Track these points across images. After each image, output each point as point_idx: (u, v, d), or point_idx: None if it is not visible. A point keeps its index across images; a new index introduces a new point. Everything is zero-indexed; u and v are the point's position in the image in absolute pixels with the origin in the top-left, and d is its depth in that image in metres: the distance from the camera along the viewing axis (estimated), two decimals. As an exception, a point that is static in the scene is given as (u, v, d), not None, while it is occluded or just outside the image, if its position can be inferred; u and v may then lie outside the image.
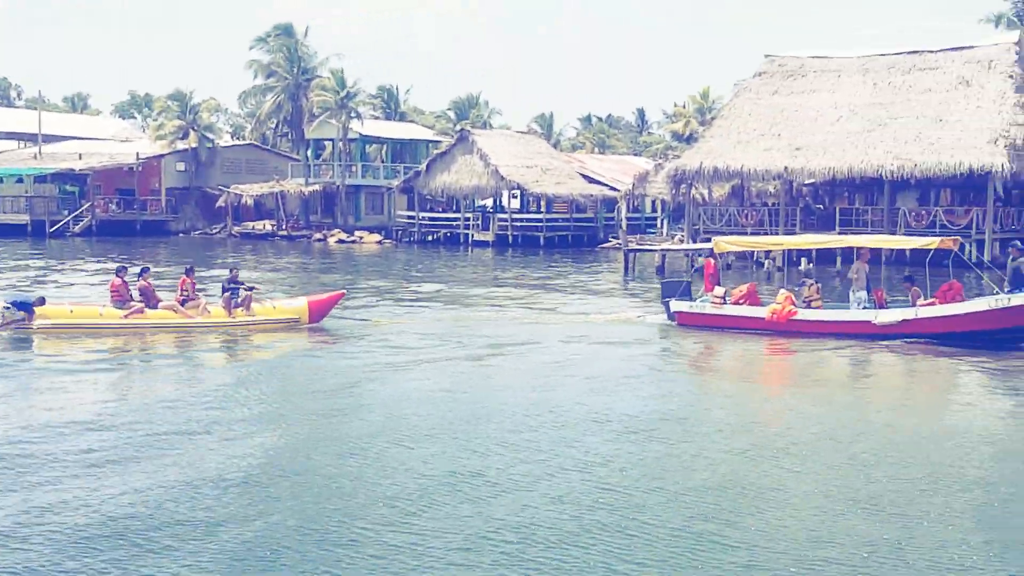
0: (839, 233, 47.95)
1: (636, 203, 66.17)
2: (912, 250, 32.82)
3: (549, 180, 65.99)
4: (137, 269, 25.39)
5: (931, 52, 52.12)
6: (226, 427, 13.99)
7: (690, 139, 68.43)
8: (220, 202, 74.67)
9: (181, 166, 77.10)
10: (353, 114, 73.75)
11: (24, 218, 69.41)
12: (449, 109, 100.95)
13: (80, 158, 74.84)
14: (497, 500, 10.95)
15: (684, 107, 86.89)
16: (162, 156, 76.15)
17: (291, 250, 61.28)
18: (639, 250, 47.64)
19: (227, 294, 24.10)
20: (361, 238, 68.86)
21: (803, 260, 46.56)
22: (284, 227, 73.49)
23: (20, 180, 72.35)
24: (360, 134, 75.39)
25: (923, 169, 46.43)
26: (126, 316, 23.08)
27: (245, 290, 24.58)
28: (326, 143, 78.39)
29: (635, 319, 27.74)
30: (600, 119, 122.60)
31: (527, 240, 63.77)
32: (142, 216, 73.71)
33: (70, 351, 21.05)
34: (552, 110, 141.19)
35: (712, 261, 26.73)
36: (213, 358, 21.38)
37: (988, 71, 49.36)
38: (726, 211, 54.62)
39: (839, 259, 42.26)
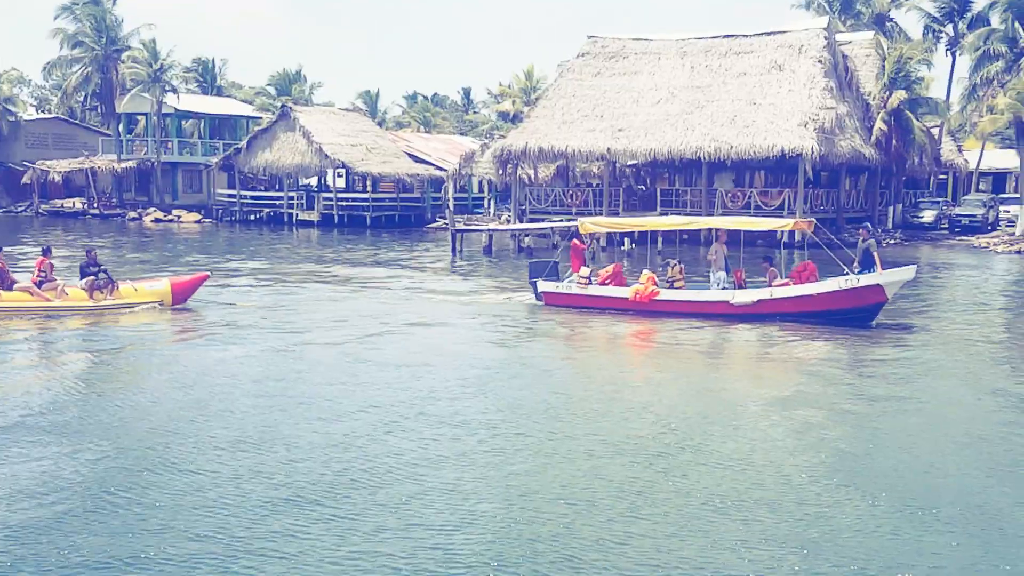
0: (660, 213, 49.71)
1: (463, 183, 66.72)
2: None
3: (375, 159, 65.61)
4: None
5: (746, 36, 53.42)
6: (61, 424, 13.49)
7: (516, 119, 69.27)
8: (25, 179, 72.37)
9: (-19, 141, 74.59)
10: (167, 87, 71.94)
11: None
12: (269, 84, 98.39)
13: None
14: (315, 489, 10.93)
15: (509, 87, 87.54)
16: (-41, 131, 73.44)
17: (104, 230, 59.61)
18: (466, 230, 48.06)
19: (91, 277, 23.47)
20: (179, 217, 67.87)
21: (626, 240, 48.34)
22: (96, 205, 71.80)
23: None
24: (175, 109, 73.67)
25: (738, 151, 47.98)
26: None
27: (104, 273, 23.88)
28: (139, 118, 76.55)
29: (503, 300, 27.89)
30: (425, 98, 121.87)
31: (353, 220, 63.63)
32: (-63, 194, 71.25)
33: None
34: (377, 87, 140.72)
35: (577, 243, 26.80)
36: (66, 345, 20.19)
37: (799, 56, 50.91)
38: (552, 191, 55.53)
39: (660, 240, 44.15)
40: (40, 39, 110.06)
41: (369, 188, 67.66)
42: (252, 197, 67.69)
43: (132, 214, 69.29)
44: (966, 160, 67.17)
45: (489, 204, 67.01)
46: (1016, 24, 56.92)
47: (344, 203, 64.97)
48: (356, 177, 67.54)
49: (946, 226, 56.98)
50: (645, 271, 24.88)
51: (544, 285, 26.09)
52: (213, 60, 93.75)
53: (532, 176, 57.32)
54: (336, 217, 63.72)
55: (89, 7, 75.01)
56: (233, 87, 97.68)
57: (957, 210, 58.67)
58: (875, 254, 22.88)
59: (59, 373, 17.31)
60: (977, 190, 66.92)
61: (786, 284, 23.41)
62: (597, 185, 55.46)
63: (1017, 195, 59.07)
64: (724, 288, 24.01)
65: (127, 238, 54.20)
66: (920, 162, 56.43)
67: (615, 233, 45.10)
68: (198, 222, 66.81)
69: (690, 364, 19.38)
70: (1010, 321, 26.99)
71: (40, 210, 71.94)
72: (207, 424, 13.54)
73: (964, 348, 21.32)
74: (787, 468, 12.03)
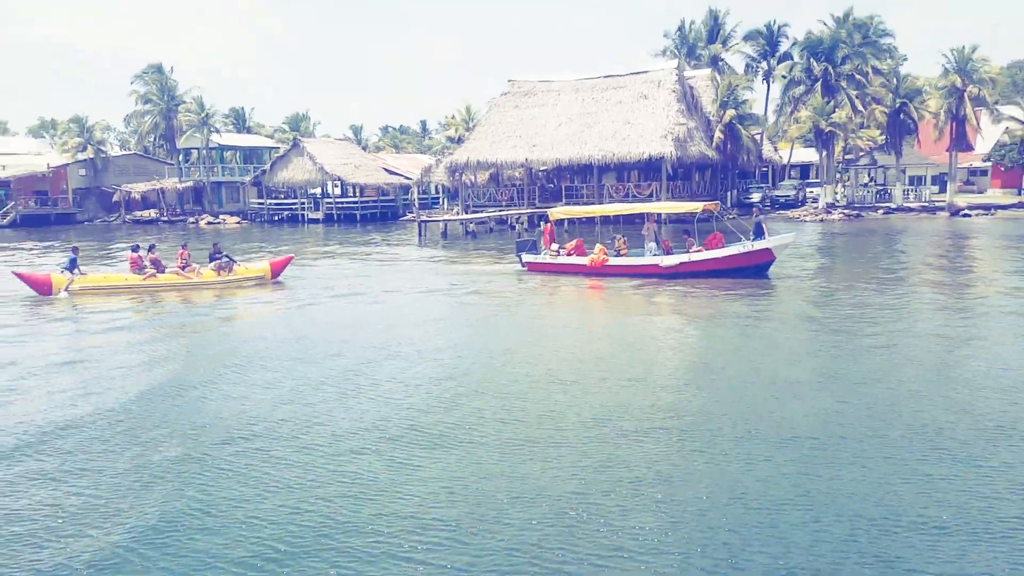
0: (565, 204, 48.41)
1: (424, 187, 64.99)
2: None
3: (361, 173, 64.01)
4: (147, 246, 24.41)
5: (620, 75, 52.25)
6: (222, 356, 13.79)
7: (459, 141, 66.82)
8: (115, 198, 69.52)
9: (82, 172, 71.12)
10: (212, 129, 69.52)
11: (-40, 215, 63.78)
12: (284, 123, 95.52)
13: (3, 169, 68.93)
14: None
15: (453, 118, 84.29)
16: (67, 165, 70.34)
17: (172, 231, 56.32)
18: (428, 221, 46.64)
19: (217, 261, 23.77)
20: (224, 220, 64.86)
21: (541, 223, 46.07)
22: (165, 214, 68.58)
23: (-45, 187, 66.06)
24: (218, 144, 71.24)
25: (619, 157, 46.98)
26: (144, 279, 22.81)
27: (227, 258, 24.12)
28: (193, 151, 72.97)
29: (501, 269, 26.69)
30: (395, 128, 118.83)
31: (347, 217, 61.57)
32: (55, 210, 68.00)
33: (113, 304, 20.43)
34: (361, 122, 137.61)
35: (549, 225, 25.98)
36: (206, 309, 20.02)
37: (659, 88, 49.82)
38: (487, 191, 54.19)
39: (566, 222, 42.05)
40: (121, 98, 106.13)
41: (357, 194, 65.38)
42: (275, 203, 64.92)
43: (191, 219, 66.13)
44: (780, 156, 65.90)
45: (443, 202, 64.97)
46: (811, 59, 55.44)
47: (340, 205, 62.74)
48: (348, 186, 64.89)
49: (768, 204, 55.18)
50: (597, 244, 24.22)
51: (526, 256, 25.60)
52: (243, 108, 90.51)
53: (473, 180, 54.93)
54: (335, 216, 61.36)
55: (155, 75, 73.28)
56: (258, 126, 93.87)
57: (776, 192, 57.20)
58: (764, 226, 22.51)
59: (208, 327, 17.31)
60: (789, 177, 65.65)
61: (699, 250, 22.54)
62: (519, 185, 53.45)
63: (818, 180, 57.80)
64: (655, 255, 23.23)
65: (189, 236, 51.10)
66: (748, 159, 54.94)
67: (534, 216, 43.24)
68: (238, 223, 63.81)
69: (629, 306, 18.86)
70: (833, 265, 26.52)
71: (126, 219, 68.58)
72: (319, 356, 13.54)
73: (813, 288, 20.72)
74: (678, 365, 12.32)
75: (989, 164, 63.34)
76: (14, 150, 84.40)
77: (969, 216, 48.27)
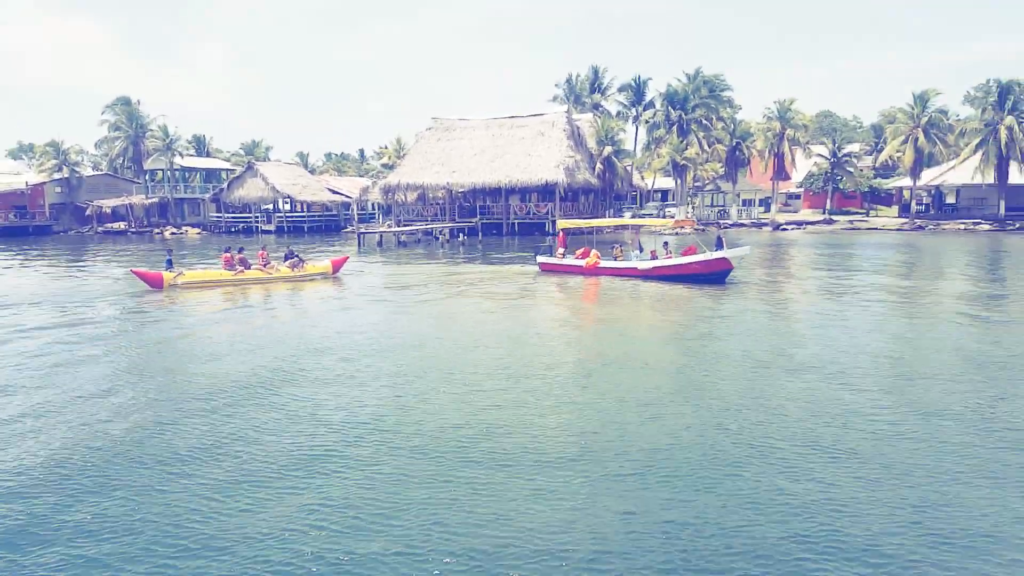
0: (479, 220, 50.80)
1: (362, 205, 65.84)
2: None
3: (307, 192, 64.99)
4: (237, 248, 25.98)
5: (522, 117, 55.09)
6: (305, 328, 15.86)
7: (392, 167, 68.54)
8: (88, 212, 69.46)
9: (58, 189, 70.79)
10: (176, 153, 70.27)
11: (-59, 229, 62.47)
12: (240, 148, 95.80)
13: (-17, 187, 67.76)
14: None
15: (386, 147, 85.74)
16: (44, 184, 69.90)
17: (140, 240, 57.27)
18: (366, 233, 48.82)
19: (292, 260, 25.14)
20: (186, 231, 66.03)
21: (460, 235, 49.54)
22: (133, 226, 69.18)
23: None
24: (182, 166, 71.87)
25: (522, 182, 49.89)
26: (235, 275, 23.88)
27: (299, 258, 25.45)
28: (159, 171, 73.46)
29: (520, 269, 27.93)
30: (337, 155, 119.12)
31: (296, 228, 62.81)
32: (33, 223, 67.61)
33: (211, 293, 22.02)
34: (308, 149, 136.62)
35: (561, 234, 27.30)
36: (284, 297, 21.36)
37: (552, 127, 52.94)
38: (415, 208, 56.11)
39: (480, 234, 44.90)
40: (92, 126, 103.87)
41: (305, 209, 66.89)
42: (232, 217, 66.08)
43: (156, 231, 66.88)
44: (646, 183, 69.77)
45: (378, 217, 66.24)
46: (669, 107, 60.52)
47: (290, 219, 64.22)
48: (297, 203, 66.48)
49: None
50: (593, 251, 25.96)
51: (540, 258, 27.07)
52: (204, 135, 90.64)
53: (403, 199, 56.83)
54: (286, 227, 62.80)
55: (123, 107, 72.51)
56: (217, 151, 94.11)
57: (642, 211, 61.66)
58: (723, 239, 23.01)
59: (283, 310, 18.96)
60: (652, 200, 70.18)
61: (670, 257, 23.78)
62: (442, 204, 55.56)
63: (674, 202, 63.36)
64: (638, 259, 24.76)
65: (155, 245, 51.95)
66: (622, 185, 58.33)
67: (454, 229, 46.07)
68: (198, 233, 64.78)
69: (606, 296, 20.44)
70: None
71: (98, 231, 68.66)
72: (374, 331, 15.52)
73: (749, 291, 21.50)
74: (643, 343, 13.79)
75: (801, 190, 68.94)
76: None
77: (787, 230, 53.83)
